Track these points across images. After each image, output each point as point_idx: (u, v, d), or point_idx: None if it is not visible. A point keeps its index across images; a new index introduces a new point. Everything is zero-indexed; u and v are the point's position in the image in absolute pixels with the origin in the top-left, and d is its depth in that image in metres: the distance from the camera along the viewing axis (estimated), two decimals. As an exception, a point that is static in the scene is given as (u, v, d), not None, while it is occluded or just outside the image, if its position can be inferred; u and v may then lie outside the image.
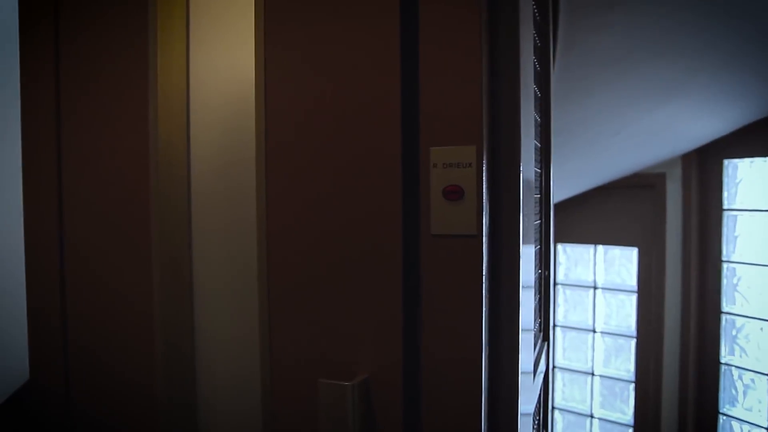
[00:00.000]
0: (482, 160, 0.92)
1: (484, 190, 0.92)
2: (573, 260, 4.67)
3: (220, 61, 1.27)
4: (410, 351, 0.98)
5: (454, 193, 0.92)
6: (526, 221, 1.10)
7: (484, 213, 0.92)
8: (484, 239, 0.92)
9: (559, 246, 4.66)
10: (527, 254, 1.12)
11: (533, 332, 1.50)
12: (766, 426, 3.67)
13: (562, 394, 4.73)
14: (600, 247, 4.50)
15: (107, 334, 1.31)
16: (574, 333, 4.66)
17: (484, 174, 0.92)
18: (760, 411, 3.73)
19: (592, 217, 4.49)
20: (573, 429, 4.71)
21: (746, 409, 3.85)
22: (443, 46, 0.94)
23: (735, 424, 3.91)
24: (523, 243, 1.02)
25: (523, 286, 1.05)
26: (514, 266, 0.99)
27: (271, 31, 1.07)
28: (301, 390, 1.04)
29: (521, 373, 1.09)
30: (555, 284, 4.67)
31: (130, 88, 1.26)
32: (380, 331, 0.98)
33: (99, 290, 1.32)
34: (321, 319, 1.03)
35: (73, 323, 1.35)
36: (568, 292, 4.69)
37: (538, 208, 1.74)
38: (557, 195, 4.13)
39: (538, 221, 1.74)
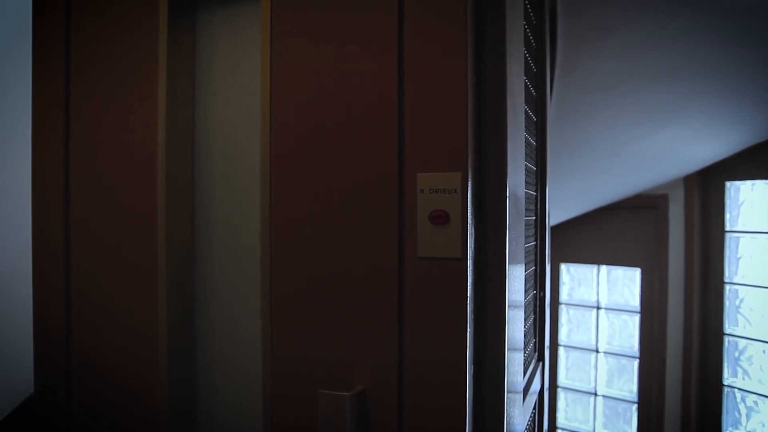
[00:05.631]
0: (467, 185, 0.96)
1: (469, 215, 0.97)
2: (576, 280, 4.68)
3: (225, 83, 1.32)
4: (401, 367, 1.02)
5: (439, 218, 0.96)
6: (514, 243, 1.14)
7: (469, 237, 0.97)
8: (469, 262, 0.96)
9: (563, 266, 4.68)
10: (515, 275, 1.16)
11: (525, 351, 1.53)
12: (768, 449, 3.67)
13: (564, 414, 4.73)
14: (603, 268, 4.52)
15: (112, 346, 1.35)
16: (577, 353, 4.66)
17: (469, 200, 0.96)
18: (762, 434, 3.72)
19: (596, 237, 4.52)
20: (576, 449, 4.70)
21: (749, 432, 3.84)
22: (429, 73, 0.99)
23: (738, 447, 3.91)
24: (509, 264, 1.06)
25: (510, 306, 1.09)
26: (499, 287, 1.03)
27: (277, 51, 1.12)
28: (301, 400, 1.08)
29: (509, 391, 1.12)
30: (558, 304, 4.69)
31: (139, 98, 1.30)
32: (376, 346, 1.03)
33: (104, 302, 1.36)
34: (321, 333, 1.08)
35: (78, 335, 1.39)
36: (571, 311, 4.70)
37: (533, 230, 1.78)
38: (560, 216, 4.16)
39: (534, 243, 1.78)
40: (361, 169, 1.03)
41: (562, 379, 4.71)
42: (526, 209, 1.55)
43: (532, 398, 1.68)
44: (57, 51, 1.37)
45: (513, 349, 1.17)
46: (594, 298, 4.57)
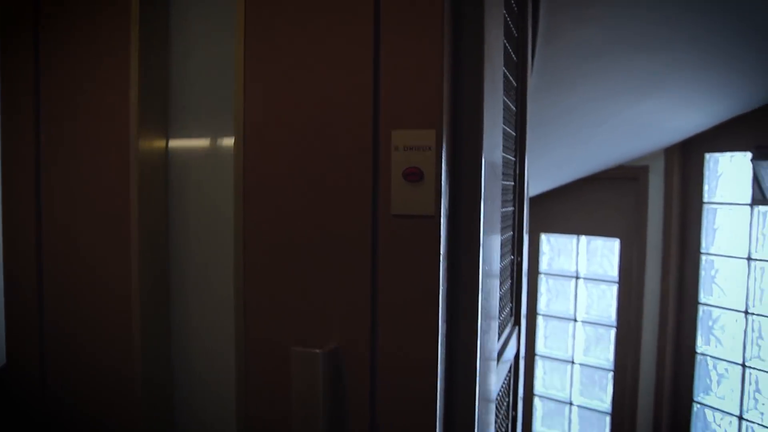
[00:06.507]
0: (441, 143, 0.96)
1: (443, 173, 0.97)
2: (556, 250, 4.73)
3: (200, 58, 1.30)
4: (374, 324, 1.02)
5: (413, 175, 0.96)
6: (489, 204, 1.14)
7: (443, 195, 0.97)
8: (443, 219, 0.97)
9: (543, 236, 4.72)
10: (490, 236, 1.16)
11: (501, 315, 1.55)
12: (737, 414, 3.76)
13: (542, 381, 4.81)
14: (583, 238, 4.56)
15: (85, 318, 1.35)
16: (555, 322, 4.73)
17: (443, 157, 0.96)
18: (732, 400, 3.81)
19: (576, 208, 4.55)
20: (552, 416, 4.79)
21: (719, 398, 3.93)
22: (404, 31, 0.98)
23: (708, 412, 4.00)
24: (484, 224, 1.06)
25: (484, 266, 1.10)
26: (473, 246, 1.04)
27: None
28: (275, 357, 1.09)
29: (482, 350, 1.14)
30: (538, 274, 4.73)
31: (110, 83, 1.28)
32: (350, 304, 1.03)
33: (77, 274, 1.35)
34: (294, 292, 1.08)
35: (50, 306, 1.37)
36: (550, 281, 4.75)
37: (511, 196, 1.78)
38: (541, 186, 4.19)
39: (512, 208, 1.79)
40: (335, 126, 1.03)
41: (540, 347, 4.79)
42: (504, 174, 1.56)
43: (508, 361, 1.71)
44: (25, 39, 1.35)
45: (487, 309, 1.18)
46: (573, 268, 4.62)
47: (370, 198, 1.00)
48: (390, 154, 0.99)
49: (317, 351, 1.01)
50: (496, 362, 1.35)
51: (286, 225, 1.08)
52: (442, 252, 0.97)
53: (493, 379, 1.32)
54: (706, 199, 3.99)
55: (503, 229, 1.58)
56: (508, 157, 1.63)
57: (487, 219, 1.11)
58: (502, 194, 1.55)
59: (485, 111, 1.06)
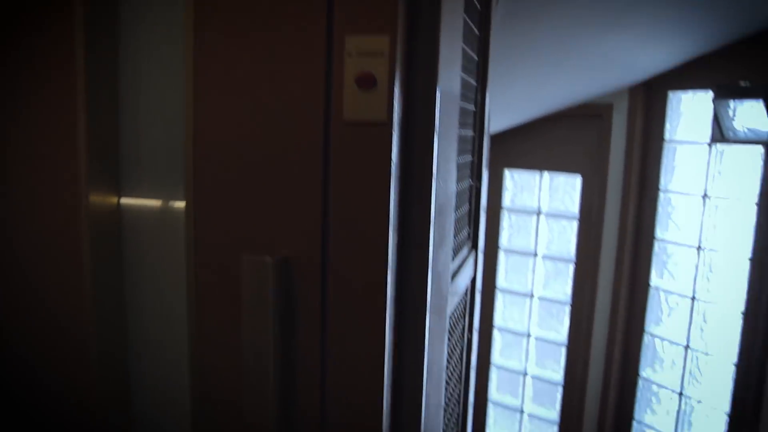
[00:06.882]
0: (395, 49, 0.94)
1: (396, 80, 0.96)
2: (519, 186, 4.78)
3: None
4: (325, 235, 1.03)
5: (366, 81, 0.95)
6: (445, 119, 1.14)
7: (395, 102, 0.96)
8: (395, 127, 0.97)
9: (507, 172, 4.76)
10: (444, 150, 1.16)
11: (457, 237, 1.57)
12: (685, 344, 3.93)
13: (502, 314, 4.94)
14: (546, 174, 4.61)
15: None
16: (516, 257, 4.82)
17: (397, 63, 0.95)
18: (680, 330, 3.98)
19: (540, 144, 4.58)
20: (511, 347, 4.94)
21: (669, 329, 4.10)
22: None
23: (657, 341, 4.17)
24: (438, 136, 1.06)
25: (438, 174, 1.10)
26: (426, 158, 1.04)
27: None
28: (225, 267, 1.09)
29: (433, 266, 1.15)
30: (500, 209, 4.79)
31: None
32: (302, 212, 1.04)
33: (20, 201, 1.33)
34: (245, 201, 1.08)
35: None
36: (513, 217, 4.82)
37: (471, 119, 1.78)
38: (505, 122, 4.19)
39: (471, 133, 1.78)
40: (287, 31, 1.00)
41: (501, 281, 4.89)
42: (465, 96, 1.55)
43: (464, 282, 1.74)
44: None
45: (441, 223, 1.19)
46: (536, 205, 4.69)
47: (322, 104, 0.99)
48: (343, 60, 0.97)
49: (267, 258, 1.01)
50: (450, 278, 1.38)
51: (238, 135, 1.06)
52: (394, 159, 0.97)
53: (445, 294, 1.34)
54: (667, 137, 4.05)
55: (462, 152, 1.58)
56: (469, 79, 1.62)
57: (442, 131, 1.11)
58: (462, 117, 1.54)
59: (443, 22, 1.05)
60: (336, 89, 0.99)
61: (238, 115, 1.06)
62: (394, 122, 0.96)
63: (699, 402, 3.89)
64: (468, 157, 1.72)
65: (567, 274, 4.64)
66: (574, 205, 4.55)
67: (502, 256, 4.87)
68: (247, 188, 1.07)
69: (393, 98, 0.96)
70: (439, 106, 1.04)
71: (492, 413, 5.08)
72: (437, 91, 1.02)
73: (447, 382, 1.63)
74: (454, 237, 1.55)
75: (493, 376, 5.03)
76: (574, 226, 4.54)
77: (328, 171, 1.01)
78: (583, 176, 4.45)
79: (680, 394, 3.98)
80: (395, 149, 0.97)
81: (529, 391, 4.91)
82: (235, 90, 1.06)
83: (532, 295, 4.78)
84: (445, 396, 1.60)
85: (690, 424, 3.99)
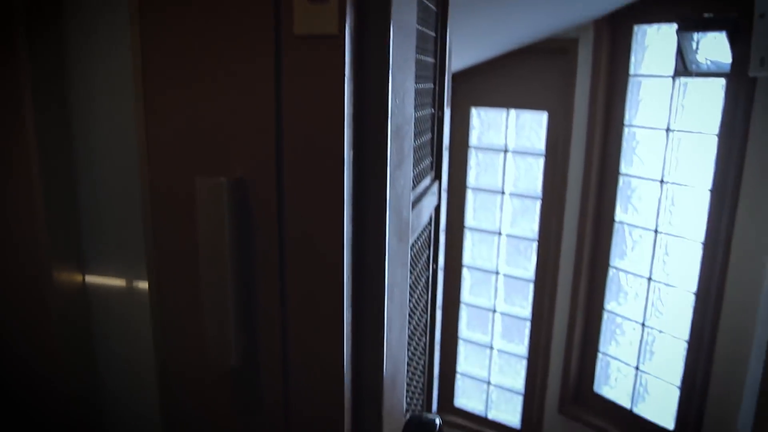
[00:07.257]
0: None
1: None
2: (486, 124, 4.76)
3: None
4: (279, 153, 1.01)
5: (316, -8, 0.92)
6: (401, 34, 1.11)
7: (347, 14, 0.93)
8: (347, 39, 0.94)
9: (473, 110, 4.73)
10: (400, 65, 1.13)
11: (419, 165, 1.56)
12: (647, 276, 4.03)
13: (471, 252, 4.99)
14: (513, 112, 4.60)
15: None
16: (484, 195, 4.85)
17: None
18: (643, 263, 4.07)
19: (506, 81, 4.55)
20: (480, 285, 5.02)
21: (632, 262, 4.19)
22: None
23: (622, 275, 4.27)
24: (393, 48, 1.04)
25: (394, 99, 1.08)
26: (382, 72, 1.01)
27: None
28: (179, 190, 1.07)
29: (392, 187, 1.14)
30: (468, 147, 4.79)
31: None
32: (255, 130, 1.01)
33: None
34: (197, 123, 1.05)
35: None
36: (480, 155, 4.82)
37: (432, 46, 1.75)
38: (468, 58, 4.14)
39: (432, 60, 1.75)
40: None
41: (469, 220, 4.93)
42: (423, 19, 1.51)
43: (427, 210, 1.74)
44: None
45: (399, 144, 1.18)
46: (502, 142, 4.69)
47: (272, 19, 0.95)
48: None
49: (222, 179, 0.99)
50: (410, 203, 1.37)
51: (182, 42, 1.03)
52: (347, 74, 0.95)
53: (407, 218, 1.34)
54: (632, 71, 4.04)
55: (422, 79, 1.56)
56: (428, 4, 1.58)
57: (398, 50, 1.09)
58: (422, 42, 1.51)
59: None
60: (285, 2, 0.95)
61: (190, 26, 1.02)
62: (347, 35, 0.93)
63: (660, 332, 4.02)
64: (429, 85, 1.70)
65: (534, 212, 4.68)
66: (540, 142, 4.57)
67: (469, 195, 4.89)
68: (198, 109, 1.04)
69: (345, 10, 0.92)
70: (393, 19, 1.01)
71: (462, 350, 5.19)
72: (391, 3, 0.99)
73: (412, 311, 1.64)
74: (416, 165, 1.54)
75: (463, 314, 5.11)
76: (541, 163, 4.57)
77: (280, 87, 0.98)
78: (549, 113, 4.45)
79: (643, 324, 4.10)
80: (348, 64, 0.95)
81: (498, 327, 5.01)
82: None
83: (500, 233, 4.83)
84: (411, 324, 1.62)
85: (652, 353, 4.13)
